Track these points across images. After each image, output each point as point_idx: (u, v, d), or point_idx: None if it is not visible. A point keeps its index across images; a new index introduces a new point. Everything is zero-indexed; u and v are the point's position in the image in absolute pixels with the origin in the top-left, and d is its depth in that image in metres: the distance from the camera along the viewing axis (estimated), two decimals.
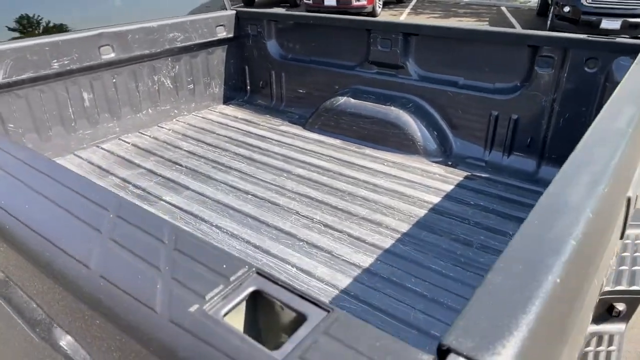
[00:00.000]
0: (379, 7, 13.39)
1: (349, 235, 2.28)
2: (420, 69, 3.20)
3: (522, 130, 2.89)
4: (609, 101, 1.50)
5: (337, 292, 1.92)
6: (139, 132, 3.51)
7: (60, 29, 3.09)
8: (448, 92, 3.05)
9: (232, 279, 0.74)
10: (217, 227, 2.35)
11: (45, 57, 2.88)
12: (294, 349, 0.62)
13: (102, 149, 3.25)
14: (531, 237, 0.81)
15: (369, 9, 12.71)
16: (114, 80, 3.31)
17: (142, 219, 0.93)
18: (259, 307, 0.75)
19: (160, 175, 2.87)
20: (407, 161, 2.99)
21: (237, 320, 0.72)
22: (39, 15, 3.09)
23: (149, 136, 3.45)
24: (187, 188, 2.71)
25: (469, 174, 2.86)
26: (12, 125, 2.87)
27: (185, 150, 3.20)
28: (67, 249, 0.86)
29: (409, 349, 0.61)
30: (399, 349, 0.61)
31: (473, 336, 0.60)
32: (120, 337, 0.75)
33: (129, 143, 3.33)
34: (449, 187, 2.70)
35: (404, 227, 2.33)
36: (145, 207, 2.52)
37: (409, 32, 3.12)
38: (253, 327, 0.75)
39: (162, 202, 2.58)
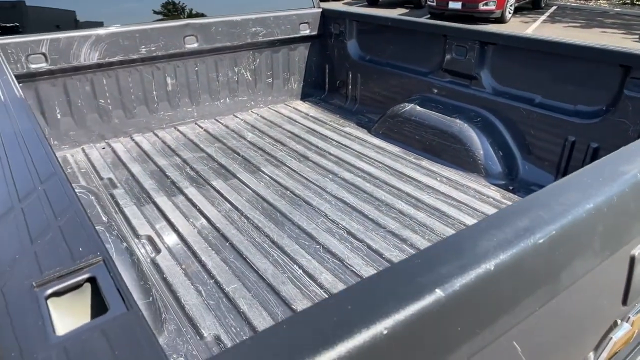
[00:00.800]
0: (509, 13, 12.57)
1: (368, 246, 2.19)
2: (494, 82, 2.94)
3: None
4: None
5: None
6: (215, 119, 3.71)
7: (192, 15, 3.43)
8: (521, 110, 2.77)
9: (77, 262, 0.77)
10: (245, 217, 2.41)
11: (135, 43, 3.18)
12: (68, 338, 0.63)
13: (178, 130, 3.51)
14: (395, 277, 0.71)
15: (497, 14, 12.01)
16: (196, 68, 3.54)
17: (59, 195, 0.99)
18: (92, 293, 0.76)
19: (216, 161, 3.01)
20: (463, 179, 2.78)
21: (68, 299, 0.74)
22: (182, 2, 3.44)
23: (222, 124, 3.63)
24: (235, 177, 2.81)
25: None
26: (102, 101, 3.22)
27: (247, 141, 3.32)
28: None
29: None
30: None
31: None
32: None
33: (202, 128, 3.55)
34: None
35: None
36: (192, 189, 2.67)
37: (485, 40, 2.89)
38: (86, 309, 0.77)
39: (208, 186, 2.71)
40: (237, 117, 3.78)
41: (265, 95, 3.98)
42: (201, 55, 3.52)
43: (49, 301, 0.70)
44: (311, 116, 3.81)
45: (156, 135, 3.42)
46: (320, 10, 3.95)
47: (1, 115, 1.38)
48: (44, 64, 2.85)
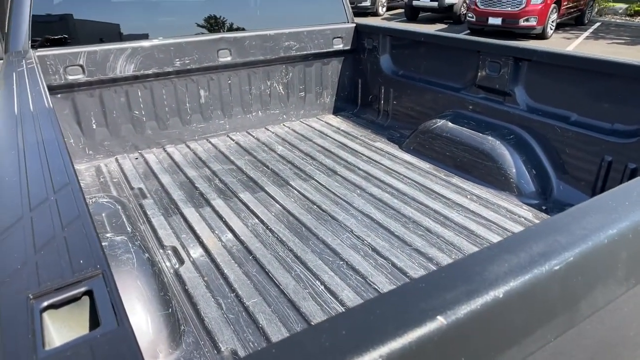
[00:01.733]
0: (551, 29, 12.26)
1: (393, 264, 2.15)
2: (528, 99, 2.86)
3: None
4: None
5: None
6: (246, 132, 3.76)
7: (231, 28, 3.57)
8: (556, 128, 2.68)
9: (75, 274, 0.77)
10: (270, 231, 2.41)
11: (170, 56, 3.27)
12: (54, 353, 0.63)
13: (210, 142, 3.57)
14: (396, 301, 0.69)
15: (538, 30, 11.74)
16: (229, 81, 3.61)
17: (70, 206, 1.00)
18: (90, 307, 0.76)
19: (245, 174, 3.04)
20: (494, 198, 2.70)
21: (65, 313, 0.74)
22: (222, 17, 3.55)
23: (253, 136, 3.68)
24: (262, 189, 2.83)
25: None
26: (137, 112, 3.32)
27: (277, 154, 3.35)
28: None
29: None
30: None
31: None
32: None
33: (233, 140, 3.60)
34: None
35: None
36: (219, 201, 2.70)
37: (519, 56, 2.82)
38: (83, 323, 0.77)
39: (235, 198, 2.74)
40: (268, 130, 3.82)
41: (298, 109, 4.01)
42: (234, 68, 3.58)
43: (45, 314, 0.70)
44: (342, 130, 3.81)
45: (188, 146, 3.49)
46: (354, 25, 3.97)
47: (27, 125, 1.44)
48: (81, 76, 2.97)
